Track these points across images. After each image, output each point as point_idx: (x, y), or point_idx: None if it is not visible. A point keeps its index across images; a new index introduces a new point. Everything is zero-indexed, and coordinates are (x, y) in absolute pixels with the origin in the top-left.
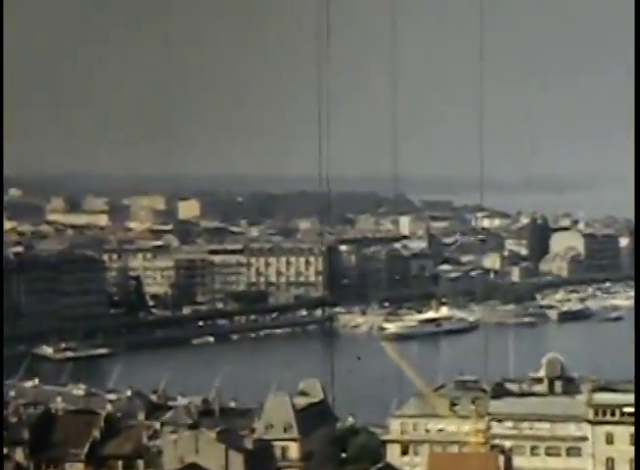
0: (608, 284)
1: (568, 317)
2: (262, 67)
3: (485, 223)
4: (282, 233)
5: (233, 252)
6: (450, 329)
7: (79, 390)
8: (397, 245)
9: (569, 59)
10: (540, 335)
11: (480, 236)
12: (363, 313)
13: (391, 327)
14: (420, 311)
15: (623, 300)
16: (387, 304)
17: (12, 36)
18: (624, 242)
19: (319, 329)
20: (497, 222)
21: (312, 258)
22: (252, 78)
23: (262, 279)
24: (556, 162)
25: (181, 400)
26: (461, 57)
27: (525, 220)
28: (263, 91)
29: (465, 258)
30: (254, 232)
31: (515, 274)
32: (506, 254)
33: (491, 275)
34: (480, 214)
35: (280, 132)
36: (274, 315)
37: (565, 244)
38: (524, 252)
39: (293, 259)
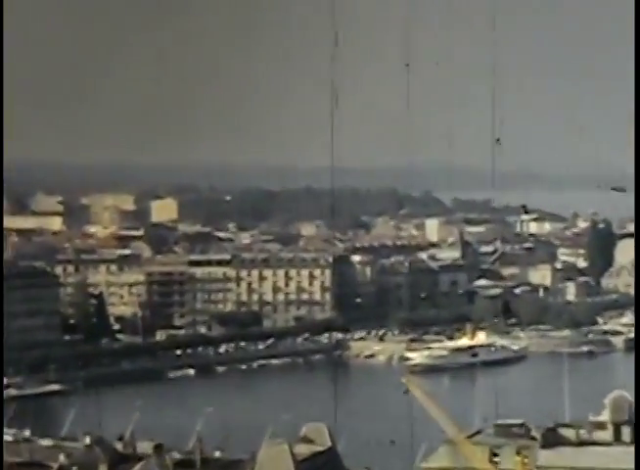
0: None
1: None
2: (259, 51)
3: (533, 228)
4: (280, 240)
5: (219, 263)
6: (489, 360)
7: (25, 436)
8: (423, 255)
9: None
10: (603, 368)
11: (527, 244)
12: (381, 340)
13: (416, 357)
14: (451, 338)
15: None
16: (410, 328)
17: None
18: None
19: (326, 359)
20: (548, 227)
21: (318, 271)
22: (245, 62)
23: (255, 297)
24: (618, 151)
25: (153, 449)
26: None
27: (583, 224)
28: (257, 74)
29: (508, 272)
30: (246, 238)
31: (571, 292)
32: (559, 266)
33: (541, 293)
34: (526, 217)
35: (278, 117)
36: (270, 342)
37: (633, 254)
38: (581, 263)
39: (293, 273)
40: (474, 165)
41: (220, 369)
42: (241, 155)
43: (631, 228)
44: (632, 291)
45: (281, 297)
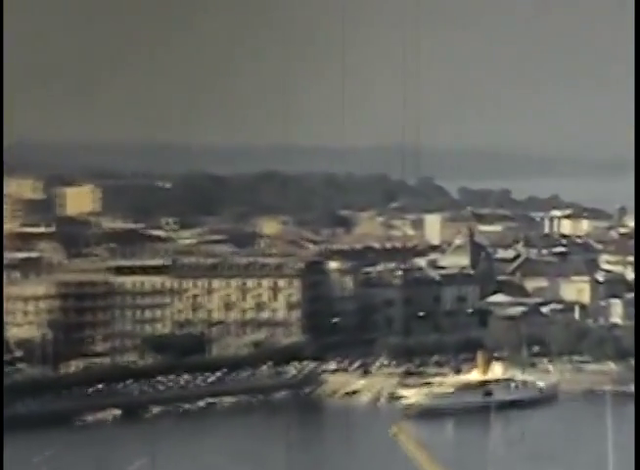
0: None
1: None
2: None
3: (567, 227)
4: (233, 240)
5: (154, 270)
6: (508, 400)
7: None
8: (421, 261)
9: None
10: None
11: (559, 248)
12: (365, 373)
13: (411, 396)
14: (458, 371)
15: None
16: (404, 357)
17: None
18: None
19: (292, 397)
20: (586, 225)
21: (282, 282)
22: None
23: (200, 315)
24: None
25: None
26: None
27: (631, 222)
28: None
29: (532, 285)
30: (188, 238)
31: (616, 312)
32: (601, 278)
33: (577, 313)
34: (556, 212)
35: (229, 84)
36: (219, 374)
37: None
38: (630, 274)
39: (250, 283)
40: (485, 146)
41: (155, 410)
42: (182, 130)
43: None
44: None
45: (234, 315)
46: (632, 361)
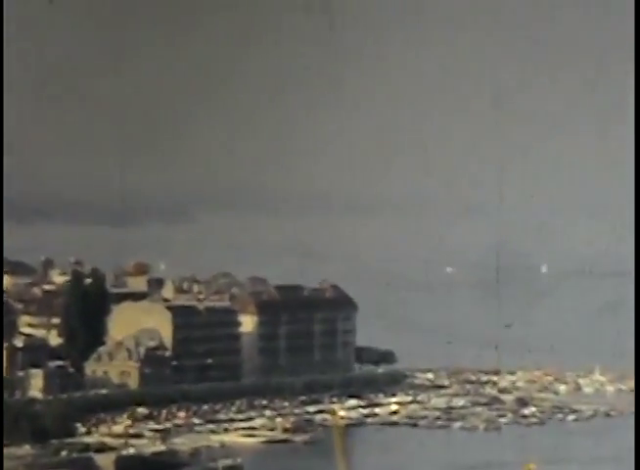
0: None
1: None
2: None
3: None
4: None
5: None
6: None
7: None
8: None
9: None
10: None
11: None
12: None
13: None
14: None
15: None
16: None
17: None
18: None
19: None
20: (7, 282)
21: None
22: None
23: None
24: None
25: None
26: None
27: (59, 278)
28: None
29: None
30: None
31: (36, 383)
32: (21, 343)
33: None
34: None
35: None
36: None
37: (136, 323)
38: (56, 339)
39: None
40: None
41: None
42: None
43: (133, 285)
44: (132, 381)
45: None
46: (55, 442)
